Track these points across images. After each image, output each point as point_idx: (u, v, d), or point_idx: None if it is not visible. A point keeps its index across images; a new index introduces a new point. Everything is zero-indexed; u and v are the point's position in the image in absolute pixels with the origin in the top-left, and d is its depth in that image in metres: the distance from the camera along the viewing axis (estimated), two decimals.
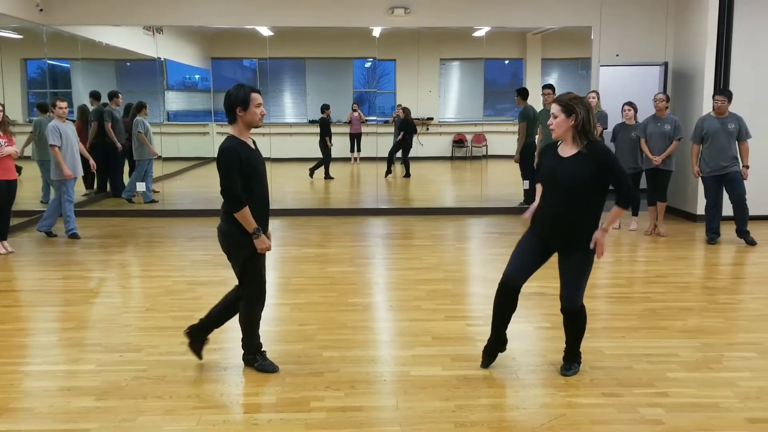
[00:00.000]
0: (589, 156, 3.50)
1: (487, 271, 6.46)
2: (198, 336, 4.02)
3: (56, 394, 3.61)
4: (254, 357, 3.94)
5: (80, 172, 7.85)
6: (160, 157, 10.55)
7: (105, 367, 3.97)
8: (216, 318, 4.02)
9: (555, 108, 3.55)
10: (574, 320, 3.76)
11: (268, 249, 3.77)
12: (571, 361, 3.87)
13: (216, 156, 3.75)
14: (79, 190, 10.17)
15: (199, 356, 4.02)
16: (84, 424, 3.26)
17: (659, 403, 3.48)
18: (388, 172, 12.47)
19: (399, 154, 12.50)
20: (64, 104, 7.58)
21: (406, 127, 12.40)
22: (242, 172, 3.68)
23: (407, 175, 12.63)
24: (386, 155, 12.29)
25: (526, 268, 3.75)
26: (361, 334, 4.58)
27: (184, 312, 5.01)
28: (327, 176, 12.37)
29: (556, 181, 3.59)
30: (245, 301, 3.88)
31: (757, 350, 4.26)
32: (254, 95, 3.71)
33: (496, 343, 3.93)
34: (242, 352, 3.99)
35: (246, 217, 3.69)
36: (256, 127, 3.78)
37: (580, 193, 3.53)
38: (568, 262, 3.65)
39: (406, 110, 12.53)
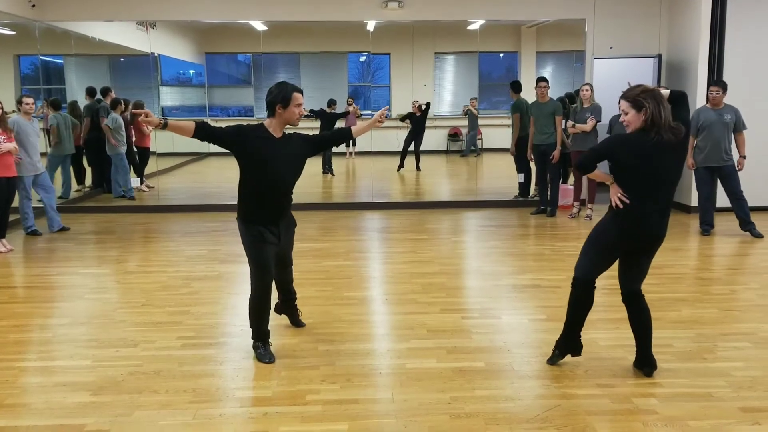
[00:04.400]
0: None
1: (482, 264, 6.48)
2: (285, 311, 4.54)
3: (52, 389, 3.62)
4: (257, 344, 4.01)
5: (41, 170, 7.77)
6: (155, 153, 10.54)
7: (101, 363, 3.98)
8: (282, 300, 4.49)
9: (624, 105, 3.48)
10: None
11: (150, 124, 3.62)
12: (556, 348, 3.90)
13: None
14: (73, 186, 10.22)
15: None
16: (80, 420, 3.27)
17: (653, 394, 3.51)
18: (401, 166, 12.52)
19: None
20: (30, 100, 7.49)
21: (413, 121, 12.37)
22: (242, 149, 3.80)
23: (417, 168, 12.68)
24: (380, 150, 12.30)
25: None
26: (356, 328, 4.59)
27: (180, 307, 5.02)
28: (326, 170, 12.38)
29: None
30: (250, 286, 3.97)
31: (751, 340, 4.29)
32: (296, 95, 3.80)
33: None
34: (239, 347, 4.07)
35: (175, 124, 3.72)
36: (293, 125, 3.88)
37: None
38: None
39: (420, 106, 12.40)
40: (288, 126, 3.90)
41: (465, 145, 14.28)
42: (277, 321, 4.65)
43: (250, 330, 4.05)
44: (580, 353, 3.87)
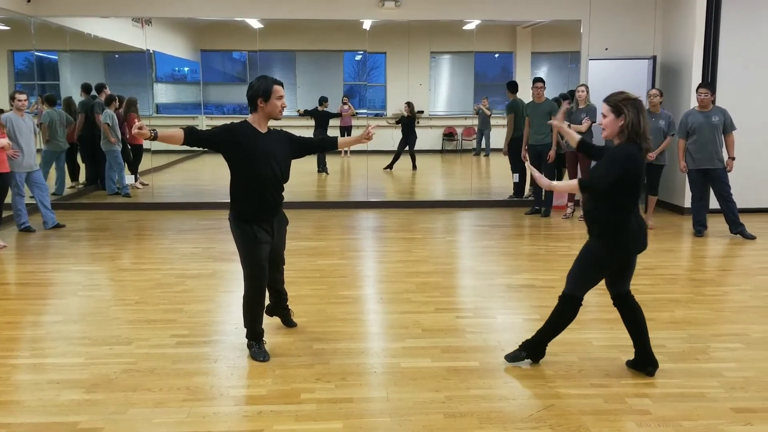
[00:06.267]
0: None
1: (476, 263, 6.49)
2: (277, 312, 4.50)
3: (45, 387, 3.61)
4: (251, 343, 4.02)
5: (35, 167, 7.72)
6: (149, 150, 10.50)
7: (94, 360, 3.96)
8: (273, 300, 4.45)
9: (604, 108, 3.52)
10: (557, 305, 3.77)
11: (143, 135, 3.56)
12: (522, 348, 3.89)
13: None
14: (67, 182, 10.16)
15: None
16: (73, 417, 3.26)
17: (646, 394, 3.52)
18: (389, 166, 12.50)
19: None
20: (23, 96, 7.44)
21: (404, 124, 12.34)
22: (231, 147, 3.79)
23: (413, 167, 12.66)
24: (376, 149, 12.29)
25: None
26: (351, 327, 4.59)
27: (174, 305, 5.01)
28: (321, 169, 12.36)
29: None
30: (244, 287, 3.96)
31: (743, 341, 4.31)
32: (276, 87, 3.81)
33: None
34: (233, 345, 4.07)
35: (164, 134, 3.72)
36: (276, 119, 3.88)
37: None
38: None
39: (410, 106, 12.34)
40: (273, 123, 3.92)
41: (476, 144, 14.27)
42: (271, 320, 4.65)
43: (245, 329, 4.05)
44: (539, 361, 3.90)
